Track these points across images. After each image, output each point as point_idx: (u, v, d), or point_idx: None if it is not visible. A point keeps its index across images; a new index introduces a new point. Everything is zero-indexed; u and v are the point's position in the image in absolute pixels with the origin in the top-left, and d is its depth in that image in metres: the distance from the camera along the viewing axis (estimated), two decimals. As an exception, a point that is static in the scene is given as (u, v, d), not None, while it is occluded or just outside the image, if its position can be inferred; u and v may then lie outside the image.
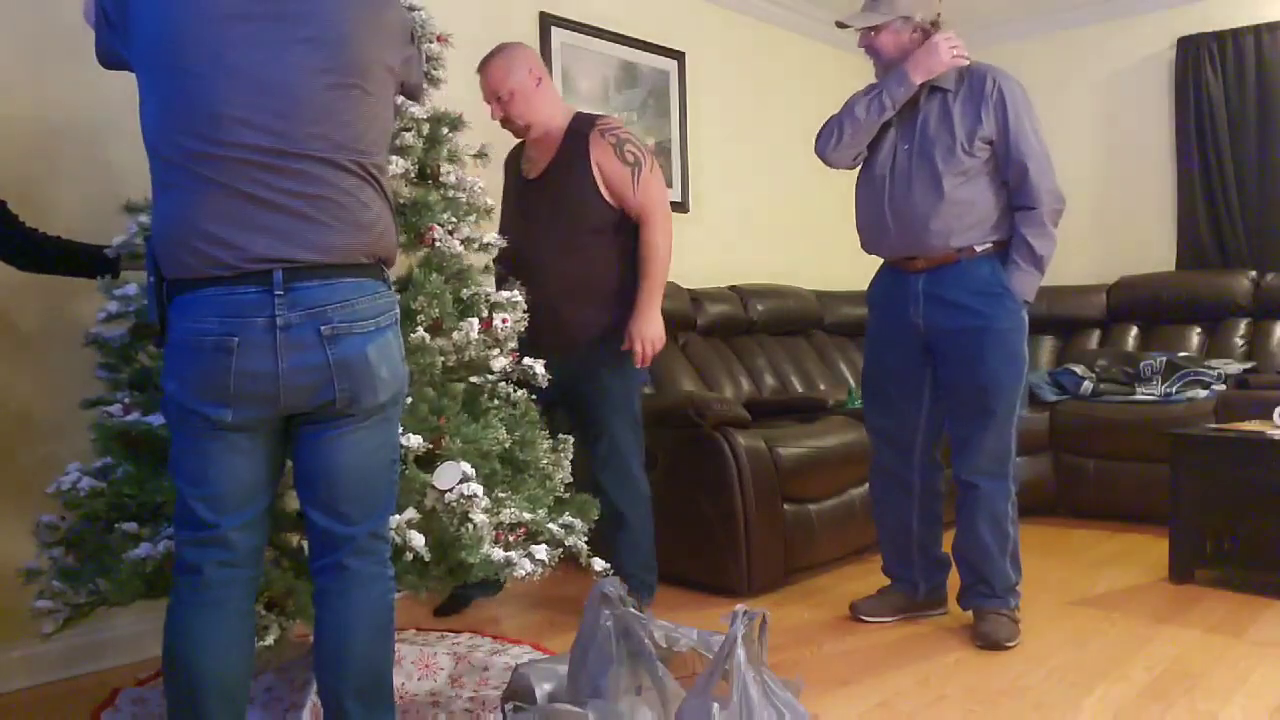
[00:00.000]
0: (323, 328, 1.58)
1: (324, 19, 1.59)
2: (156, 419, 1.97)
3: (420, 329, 2.15)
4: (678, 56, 4.54)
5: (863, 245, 2.94)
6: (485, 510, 2.02)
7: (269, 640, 1.93)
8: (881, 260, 2.91)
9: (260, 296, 1.55)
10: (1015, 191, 2.70)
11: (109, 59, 1.71)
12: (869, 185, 2.85)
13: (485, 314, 2.27)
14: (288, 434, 1.67)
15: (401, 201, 2.24)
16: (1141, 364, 4.36)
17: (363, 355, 1.62)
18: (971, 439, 2.75)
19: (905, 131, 2.77)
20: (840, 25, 2.80)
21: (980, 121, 2.66)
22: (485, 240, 2.36)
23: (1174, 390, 4.20)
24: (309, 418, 1.64)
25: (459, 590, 2.93)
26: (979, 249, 2.70)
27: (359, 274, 1.63)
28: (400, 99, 2.10)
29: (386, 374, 1.66)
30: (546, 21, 3.96)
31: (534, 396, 2.39)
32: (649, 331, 2.84)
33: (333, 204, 1.59)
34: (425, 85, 2.24)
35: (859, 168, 2.89)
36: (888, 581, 3.02)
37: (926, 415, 2.86)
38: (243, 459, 1.62)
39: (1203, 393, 4.15)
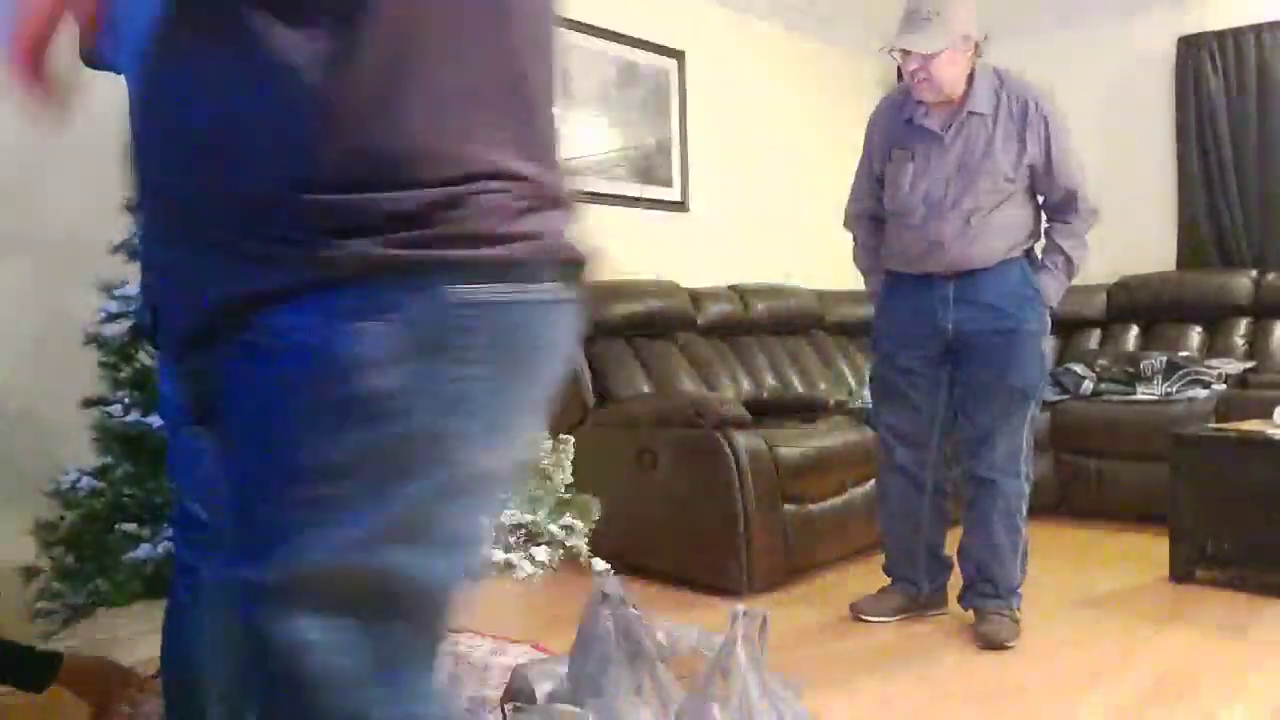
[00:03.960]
0: None
1: None
2: (156, 419, 1.97)
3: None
4: (678, 56, 4.54)
5: (890, 266, 2.89)
6: (485, 511, 2.02)
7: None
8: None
9: None
10: (1056, 208, 2.76)
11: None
12: (904, 214, 2.80)
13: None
14: None
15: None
16: (1142, 363, 4.36)
17: None
18: (991, 436, 2.75)
19: (940, 157, 2.73)
20: (902, 52, 2.68)
21: (1025, 147, 2.69)
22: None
23: (1174, 390, 4.20)
24: None
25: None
26: (1010, 254, 2.75)
27: None
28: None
29: None
30: (546, 21, 3.95)
31: None
32: None
33: None
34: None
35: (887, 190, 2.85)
36: (888, 581, 3.02)
37: (943, 414, 2.87)
38: None
39: (1203, 392, 4.14)
